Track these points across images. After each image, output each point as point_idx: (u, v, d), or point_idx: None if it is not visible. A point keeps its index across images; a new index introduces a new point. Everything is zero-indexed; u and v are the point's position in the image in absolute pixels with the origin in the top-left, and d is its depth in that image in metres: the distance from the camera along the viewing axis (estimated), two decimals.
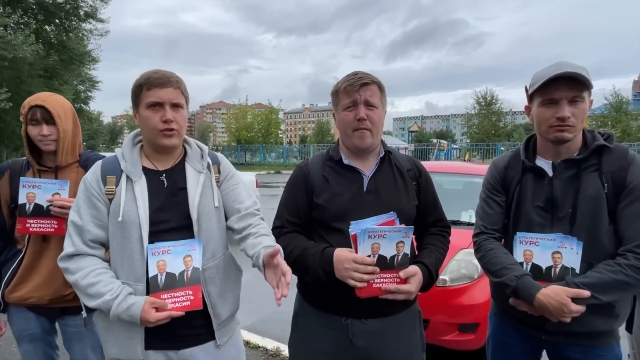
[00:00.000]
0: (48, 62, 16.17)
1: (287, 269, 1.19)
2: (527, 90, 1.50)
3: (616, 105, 31.08)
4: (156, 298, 1.27)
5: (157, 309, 1.25)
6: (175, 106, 1.36)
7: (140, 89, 1.34)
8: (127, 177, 1.36)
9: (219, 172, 1.51)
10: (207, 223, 1.41)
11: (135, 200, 1.33)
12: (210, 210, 1.43)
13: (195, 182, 1.42)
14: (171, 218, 1.37)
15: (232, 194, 1.50)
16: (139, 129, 1.44)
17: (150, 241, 1.31)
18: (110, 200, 1.34)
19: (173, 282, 1.30)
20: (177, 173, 1.43)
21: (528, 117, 1.53)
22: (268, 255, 1.21)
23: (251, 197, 1.55)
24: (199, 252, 1.34)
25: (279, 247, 1.23)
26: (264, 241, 1.33)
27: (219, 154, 1.58)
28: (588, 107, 1.40)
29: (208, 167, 1.47)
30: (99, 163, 1.42)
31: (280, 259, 1.20)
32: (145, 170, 1.40)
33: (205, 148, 1.52)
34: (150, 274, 1.28)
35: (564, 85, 1.35)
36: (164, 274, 1.29)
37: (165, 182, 1.40)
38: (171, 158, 1.45)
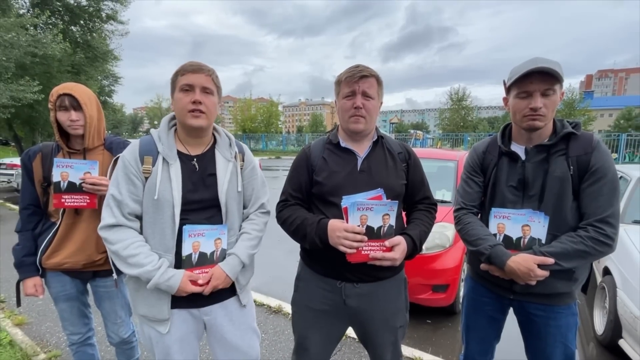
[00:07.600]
0: (75, 59, 15.56)
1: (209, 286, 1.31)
2: (504, 84, 1.45)
3: (568, 102, 31.12)
4: (191, 272, 1.30)
5: (192, 282, 1.28)
6: (206, 91, 1.30)
7: (176, 76, 1.30)
8: (163, 158, 1.30)
9: (243, 161, 1.48)
10: (232, 205, 1.40)
11: (170, 181, 1.28)
12: (234, 195, 1.41)
13: (225, 170, 1.39)
14: (201, 199, 1.33)
15: (249, 186, 1.49)
16: (174, 113, 1.38)
17: (181, 218, 1.28)
18: (146, 178, 1.29)
19: (204, 260, 1.33)
20: (208, 159, 1.39)
21: (505, 107, 1.47)
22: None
23: (264, 187, 1.55)
24: (226, 236, 1.37)
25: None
26: (236, 248, 1.39)
27: (243, 144, 1.54)
28: (559, 98, 1.36)
29: (235, 156, 1.44)
30: (136, 142, 1.36)
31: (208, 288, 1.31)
32: (179, 153, 1.35)
33: (233, 137, 1.47)
34: (186, 253, 1.29)
35: (537, 79, 1.30)
36: (197, 253, 1.31)
37: (197, 167, 1.36)
38: (202, 144, 1.40)
